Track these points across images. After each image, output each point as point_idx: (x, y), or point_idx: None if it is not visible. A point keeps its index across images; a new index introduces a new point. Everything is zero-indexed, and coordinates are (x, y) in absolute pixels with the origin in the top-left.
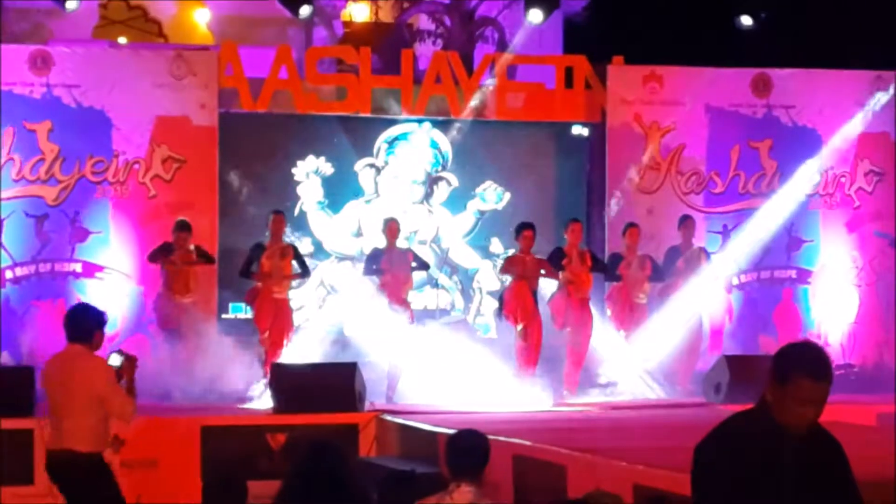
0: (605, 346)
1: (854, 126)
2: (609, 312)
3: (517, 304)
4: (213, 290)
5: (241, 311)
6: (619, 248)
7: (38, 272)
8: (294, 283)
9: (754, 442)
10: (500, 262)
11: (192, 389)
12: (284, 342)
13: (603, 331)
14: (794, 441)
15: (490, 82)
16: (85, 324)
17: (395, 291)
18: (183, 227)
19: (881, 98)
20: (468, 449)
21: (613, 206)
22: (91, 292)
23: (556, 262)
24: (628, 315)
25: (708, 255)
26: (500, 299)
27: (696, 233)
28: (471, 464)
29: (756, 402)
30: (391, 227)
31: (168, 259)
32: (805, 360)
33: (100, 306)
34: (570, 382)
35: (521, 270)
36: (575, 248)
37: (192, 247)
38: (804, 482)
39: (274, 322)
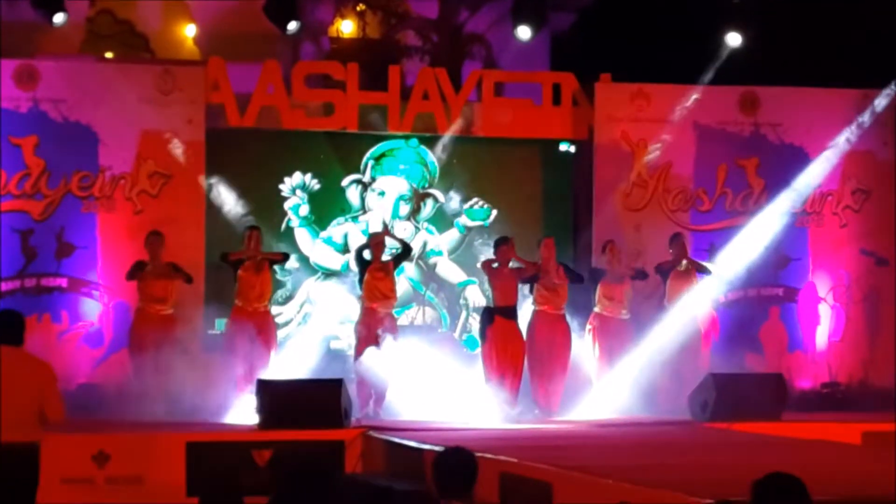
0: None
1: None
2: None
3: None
4: (198, 306)
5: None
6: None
7: (24, 287)
8: (280, 296)
9: None
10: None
11: (178, 405)
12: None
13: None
14: None
15: None
16: (19, 327)
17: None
18: (153, 234)
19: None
20: (456, 467)
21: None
22: (77, 307)
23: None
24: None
25: (700, 272)
26: (483, 333)
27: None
28: (459, 482)
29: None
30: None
31: (142, 273)
32: None
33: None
34: (554, 401)
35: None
36: (551, 262)
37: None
38: None
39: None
